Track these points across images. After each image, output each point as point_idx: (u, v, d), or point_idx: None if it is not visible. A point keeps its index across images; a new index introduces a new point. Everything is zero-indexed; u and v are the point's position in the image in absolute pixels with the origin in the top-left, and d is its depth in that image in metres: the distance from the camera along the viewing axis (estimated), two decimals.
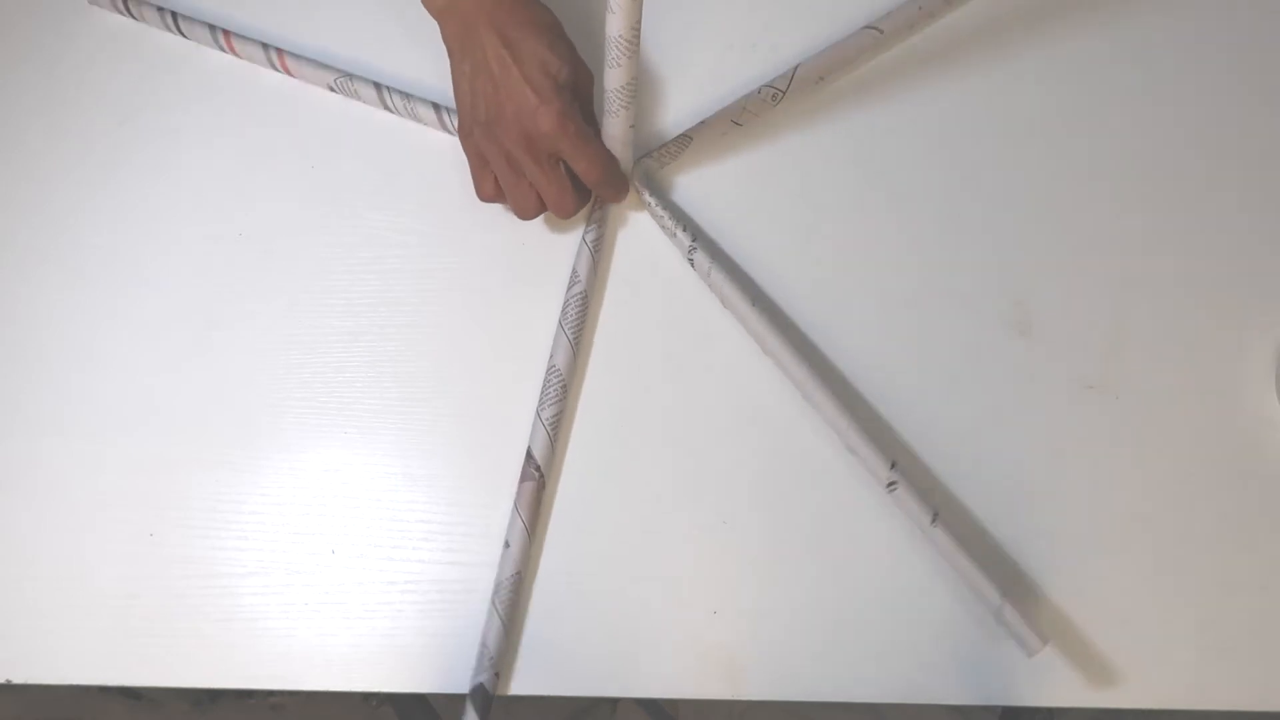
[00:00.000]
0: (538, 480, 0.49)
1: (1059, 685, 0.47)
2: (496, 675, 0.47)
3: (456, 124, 0.52)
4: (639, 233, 0.54)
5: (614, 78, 0.45)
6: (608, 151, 0.50)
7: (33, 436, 0.52)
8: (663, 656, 0.48)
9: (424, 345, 0.53)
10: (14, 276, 0.55)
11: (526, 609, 0.49)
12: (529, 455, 0.49)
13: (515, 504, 0.49)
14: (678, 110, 0.56)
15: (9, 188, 0.57)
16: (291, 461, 0.51)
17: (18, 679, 0.49)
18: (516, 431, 0.51)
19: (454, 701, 0.48)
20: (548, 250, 0.54)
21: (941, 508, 0.48)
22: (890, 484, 0.48)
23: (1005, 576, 0.48)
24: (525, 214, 0.52)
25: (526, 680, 0.48)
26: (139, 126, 0.57)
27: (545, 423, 0.50)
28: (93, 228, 0.56)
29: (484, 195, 0.52)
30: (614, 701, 1.03)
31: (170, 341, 0.54)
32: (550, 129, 0.48)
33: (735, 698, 0.47)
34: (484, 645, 0.47)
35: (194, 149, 0.57)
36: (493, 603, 0.48)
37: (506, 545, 0.48)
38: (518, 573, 0.48)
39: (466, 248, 0.54)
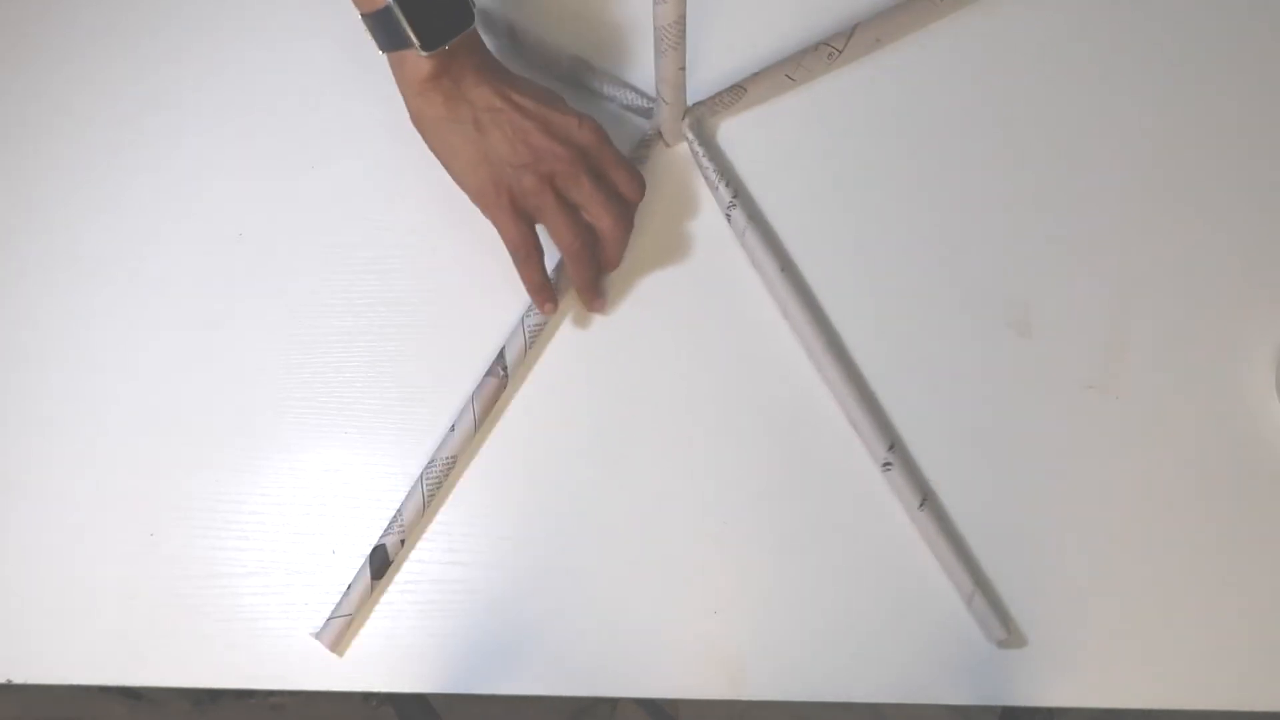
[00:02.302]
0: (500, 378, 0.50)
1: (1059, 685, 0.47)
2: (402, 542, 0.48)
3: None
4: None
5: (662, 13, 0.45)
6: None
7: (33, 436, 0.52)
8: (663, 656, 0.48)
9: (424, 345, 0.53)
10: (14, 276, 0.55)
11: (448, 496, 0.50)
12: (500, 355, 0.50)
13: (472, 397, 0.50)
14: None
15: (9, 188, 0.57)
16: (291, 461, 0.51)
17: (18, 679, 0.49)
18: None
19: (454, 701, 0.48)
20: None
21: (930, 491, 0.49)
22: (885, 464, 0.48)
23: (1001, 576, 0.48)
24: (580, 249, 0.49)
25: (527, 679, 0.48)
26: (139, 127, 0.57)
27: (526, 330, 0.50)
28: (93, 228, 0.56)
29: (524, 246, 0.49)
30: (614, 701, 1.03)
31: (170, 341, 0.54)
32: (595, 139, 0.48)
33: (736, 698, 0.47)
34: (399, 513, 0.49)
35: (194, 149, 0.57)
36: (420, 479, 0.49)
37: (451, 430, 0.50)
38: (452, 457, 0.49)
39: (467, 247, 0.54)
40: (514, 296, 0.53)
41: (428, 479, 0.49)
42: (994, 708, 0.47)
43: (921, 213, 0.53)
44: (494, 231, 0.54)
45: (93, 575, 0.50)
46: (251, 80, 0.58)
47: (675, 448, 0.51)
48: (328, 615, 0.47)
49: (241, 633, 0.49)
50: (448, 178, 0.55)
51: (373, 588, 0.48)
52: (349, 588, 0.48)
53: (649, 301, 0.53)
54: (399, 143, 0.56)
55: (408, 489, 0.49)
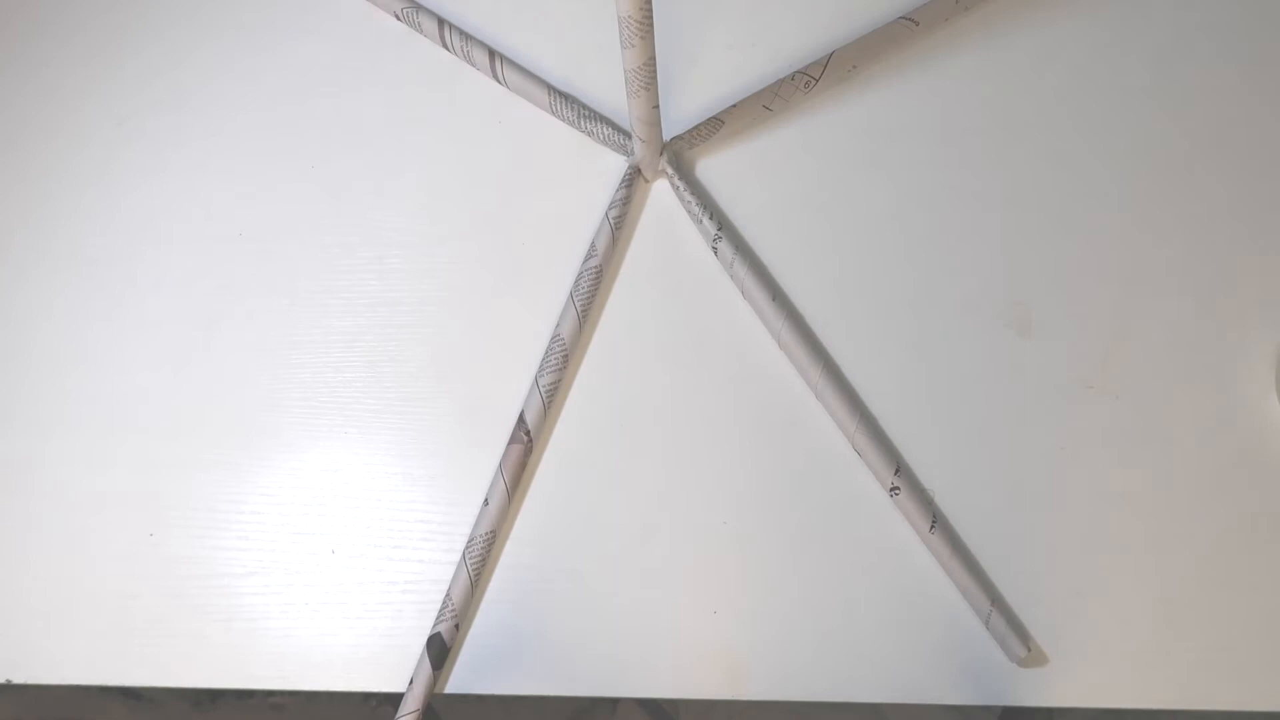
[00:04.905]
0: (525, 444, 0.49)
1: (1059, 685, 0.47)
2: (456, 627, 0.47)
3: (505, 72, 0.54)
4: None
5: (630, 58, 0.44)
6: None
7: (33, 436, 0.52)
8: (663, 656, 0.48)
9: (424, 345, 0.53)
10: (13, 276, 0.55)
11: (494, 570, 0.49)
12: (520, 419, 0.49)
13: (500, 466, 0.49)
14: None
15: (8, 188, 0.57)
16: (291, 461, 0.51)
17: (18, 679, 0.49)
18: None
19: (454, 701, 0.48)
20: (558, 239, 0.54)
21: (939, 513, 0.48)
22: (893, 489, 0.48)
23: (1002, 577, 0.48)
24: None
25: (526, 679, 0.48)
26: (139, 126, 0.57)
27: (542, 390, 0.50)
28: (92, 227, 0.56)
29: None
30: (614, 701, 1.03)
31: (170, 341, 0.54)
32: None
33: (735, 698, 0.47)
34: (448, 597, 0.48)
35: (194, 148, 0.57)
36: (463, 557, 0.48)
37: (485, 503, 0.49)
38: (492, 531, 0.48)
39: (467, 247, 0.54)
40: (515, 297, 0.53)
41: (470, 557, 0.48)
42: (994, 708, 0.47)
43: (909, 231, 0.53)
44: (494, 232, 0.54)
45: (93, 575, 0.50)
46: (251, 80, 0.58)
47: (676, 467, 0.51)
48: (396, 717, 0.46)
49: (241, 633, 0.49)
50: (447, 177, 0.55)
51: (435, 678, 0.47)
52: (411, 683, 0.47)
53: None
54: (399, 142, 0.56)
55: (414, 492, 0.49)
